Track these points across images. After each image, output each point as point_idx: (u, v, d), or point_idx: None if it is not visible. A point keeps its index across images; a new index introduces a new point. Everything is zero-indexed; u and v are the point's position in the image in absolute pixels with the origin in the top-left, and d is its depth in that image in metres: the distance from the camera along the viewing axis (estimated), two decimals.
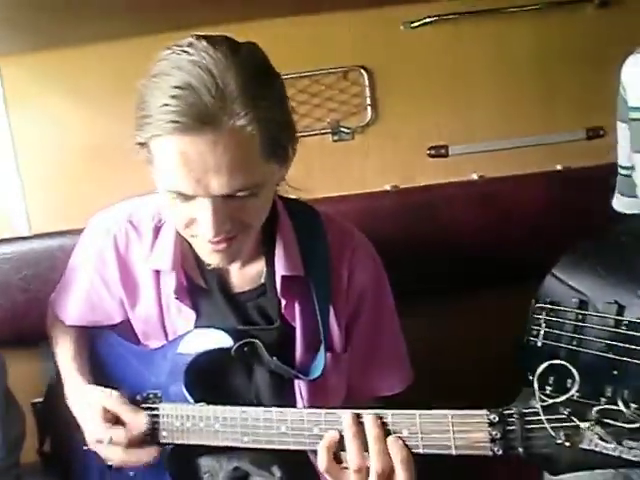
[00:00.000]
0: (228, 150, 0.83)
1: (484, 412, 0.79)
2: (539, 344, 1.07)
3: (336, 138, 1.58)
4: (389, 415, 0.84)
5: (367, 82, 1.56)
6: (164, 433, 1.05)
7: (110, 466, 1.11)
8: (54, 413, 1.28)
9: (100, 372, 1.15)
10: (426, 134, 1.61)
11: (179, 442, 1.04)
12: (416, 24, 1.55)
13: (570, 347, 1.00)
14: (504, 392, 1.03)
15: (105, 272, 1.12)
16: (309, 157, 1.55)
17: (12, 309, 1.50)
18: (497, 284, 1.47)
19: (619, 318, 0.94)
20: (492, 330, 1.18)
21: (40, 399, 1.35)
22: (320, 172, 1.56)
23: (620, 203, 1.18)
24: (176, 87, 0.82)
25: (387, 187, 1.60)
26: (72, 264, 1.20)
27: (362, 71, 1.56)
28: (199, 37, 0.87)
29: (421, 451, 0.82)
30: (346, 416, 0.87)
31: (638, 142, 1.03)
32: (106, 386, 1.10)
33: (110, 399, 1.05)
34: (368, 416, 0.86)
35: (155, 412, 1.06)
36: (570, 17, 1.54)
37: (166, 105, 0.82)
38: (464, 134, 1.61)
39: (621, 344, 0.93)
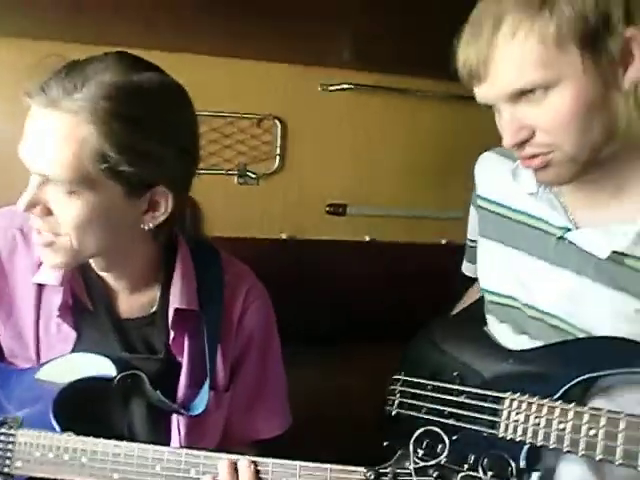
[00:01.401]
0: (55, 129, 0.87)
1: (361, 469, 0.83)
2: (393, 413, 1.16)
3: (241, 181, 1.60)
4: (270, 464, 0.85)
5: (279, 132, 1.61)
6: (18, 463, 0.98)
7: None
8: None
9: None
10: (328, 191, 1.67)
11: (36, 475, 0.97)
12: (333, 88, 1.63)
13: (420, 416, 1.10)
14: (379, 448, 1.09)
15: None
16: (212, 195, 1.55)
17: None
18: (382, 339, 1.53)
19: (460, 388, 1.05)
20: (374, 383, 1.23)
21: None
22: (221, 212, 1.56)
23: (467, 268, 1.32)
24: (55, 71, 0.90)
25: (283, 236, 1.64)
26: None
27: (276, 121, 1.61)
28: (128, 53, 0.94)
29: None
30: (222, 462, 0.87)
31: (481, 227, 1.15)
32: None
33: None
34: (243, 461, 0.86)
35: (11, 439, 0.99)
36: (465, 110, 1.67)
37: (39, 79, 0.89)
38: (363, 197, 1.69)
39: (460, 411, 1.03)
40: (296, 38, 1.44)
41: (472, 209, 1.21)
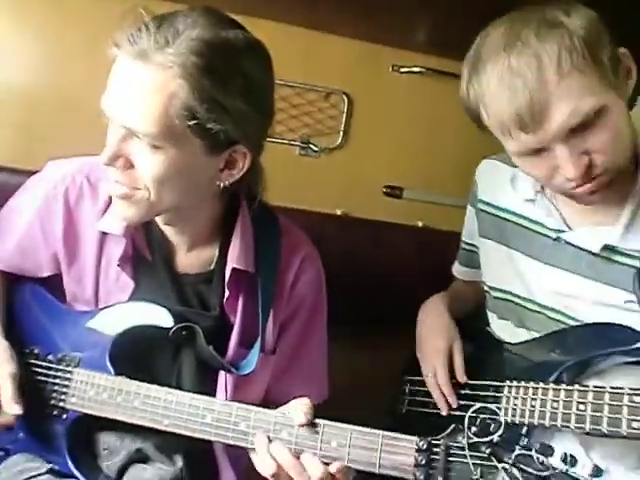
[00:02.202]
0: (143, 81, 0.87)
1: (414, 438, 0.84)
2: (404, 411, 1.26)
3: (303, 152, 1.60)
4: (321, 424, 0.86)
5: (346, 108, 1.61)
6: (73, 399, 1.01)
7: None
8: None
9: (18, 322, 1.09)
10: (386, 172, 1.67)
11: (88, 412, 1.00)
12: (404, 70, 1.62)
13: (429, 411, 1.19)
14: None
15: (47, 222, 1.07)
16: (273, 163, 1.55)
17: None
18: None
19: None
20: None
21: None
22: (279, 181, 1.55)
23: (458, 271, 1.37)
24: (144, 21, 0.89)
25: (338, 212, 1.64)
26: (13, 204, 1.14)
27: (344, 97, 1.61)
28: (215, 9, 0.94)
29: (346, 464, 0.85)
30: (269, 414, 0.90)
31: (482, 229, 1.21)
32: (19, 337, 1.05)
33: (4, 373, 0.99)
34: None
35: (68, 376, 1.02)
36: None
37: (127, 29, 0.89)
38: (420, 182, 1.69)
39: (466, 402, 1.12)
40: (374, 16, 1.43)
41: (470, 211, 1.27)
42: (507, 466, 0.79)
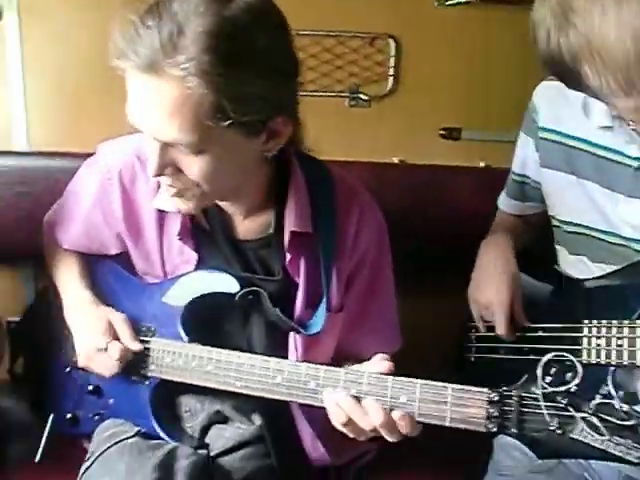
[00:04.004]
0: (165, 97, 0.84)
1: (485, 390, 0.82)
2: (472, 359, 1.22)
3: (353, 103, 1.57)
4: (389, 380, 0.86)
5: (393, 52, 1.55)
6: (152, 367, 1.06)
7: (90, 391, 1.11)
8: (30, 334, 1.26)
9: (97, 296, 1.13)
10: (442, 114, 1.61)
11: (167, 378, 1.05)
12: (450, 2, 1.54)
13: (500, 357, 1.16)
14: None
15: (106, 204, 1.10)
16: (323, 118, 1.53)
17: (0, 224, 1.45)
18: None
19: (536, 325, 1.11)
20: None
21: (15, 318, 1.33)
22: (332, 134, 1.53)
23: (507, 204, 1.29)
24: (140, 20, 0.84)
25: (395, 160, 1.61)
26: (73, 188, 1.18)
27: (390, 40, 1.55)
28: None
29: (416, 419, 0.84)
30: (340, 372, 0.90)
31: (546, 159, 1.14)
32: None
33: (116, 317, 1.07)
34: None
35: (147, 345, 1.06)
36: None
37: (126, 36, 0.84)
38: (479, 120, 1.62)
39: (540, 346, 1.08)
40: None
41: (526, 140, 1.19)
42: (587, 416, 0.76)
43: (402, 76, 1.58)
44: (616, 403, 0.75)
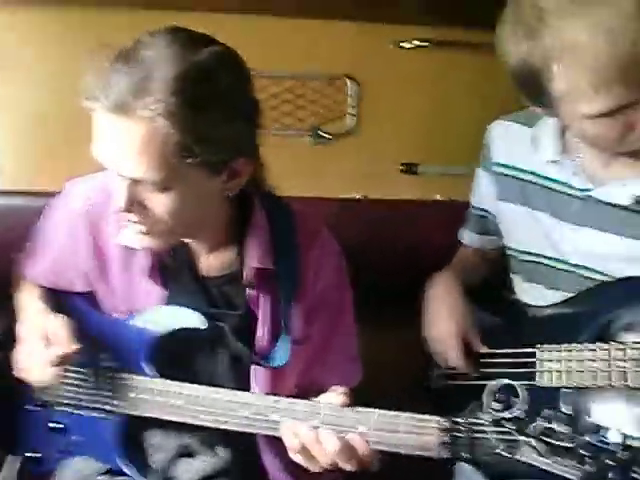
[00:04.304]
0: (134, 137, 0.88)
1: (437, 418, 0.85)
2: (436, 387, 1.25)
3: (314, 141, 1.62)
4: (345, 410, 0.89)
5: (351, 92, 1.61)
6: (117, 401, 1.06)
7: (53, 428, 1.11)
8: None
9: None
10: (400, 150, 1.67)
11: (132, 413, 1.05)
12: (405, 45, 1.62)
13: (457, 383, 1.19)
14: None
15: (74, 242, 1.12)
16: (285, 156, 1.57)
17: None
18: None
19: (493, 351, 1.15)
20: None
21: None
22: (294, 172, 1.58)
23: (469, 238, 1.35)
24: (111, 65, 0.88)
25: (357, 195, 1.65)
26: (41, 228, 1.19)
27: (348, 80, 1.61)
28: (175, 28, 0.93)
29: (373, 447, 0.87)
30: (300, 404, 0.93)
31: (501, 192, 1.19)
32: None
33: (57, 321, 1.02)
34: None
35: (111, 380, 1.07)
36: None
37: (96, 79, 0.88)
38: (436, 156, 1.68)
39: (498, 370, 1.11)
40: None
41: (482, 175, 1.24)
42: (529, 440, 0.80)
43: (361, 115, 1.63)
44: (557, 426, 0.79)
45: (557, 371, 1.04)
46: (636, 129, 0.92)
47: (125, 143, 0.89)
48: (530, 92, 0.96)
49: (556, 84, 0.91)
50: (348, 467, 0.88)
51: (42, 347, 0.99)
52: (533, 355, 1.09)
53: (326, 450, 0.87)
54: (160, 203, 0.94)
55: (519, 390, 0.85)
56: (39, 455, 1.15)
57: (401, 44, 1.61)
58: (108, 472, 1.07)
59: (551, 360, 1.05)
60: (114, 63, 0.89)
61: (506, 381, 0.89)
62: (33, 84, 1.54)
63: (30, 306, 1.13)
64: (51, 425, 1.12)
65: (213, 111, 0.90)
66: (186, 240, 1.08)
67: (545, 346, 1.07)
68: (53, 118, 1.53)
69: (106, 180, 1.09)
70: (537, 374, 1.06)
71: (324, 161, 1.64)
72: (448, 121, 1.68)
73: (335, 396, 0.92)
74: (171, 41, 0.90)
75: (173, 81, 0.87)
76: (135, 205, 0.94)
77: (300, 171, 1.60)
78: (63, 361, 0.99)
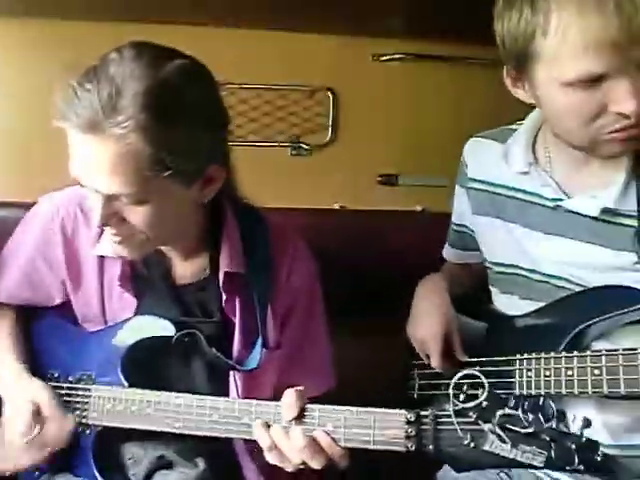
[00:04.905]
0: (106, 154, 0.89)
1: (403, 411, 0.87)
2: (415, 396, 1.26)
3: (294, 152, 1.63)
4: (316, 409, 0.90)
5: (331, 103, 1.63)
6: (94, 414, 1.06)
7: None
8: None
9: (36, 351, 1.14)
10: (379, 161, 1.69)
11: (108, 424, 1.05)
12: (384, 58, 1.64)
13: (442, 393, 1.18)
14: None
15: (49, 253, 1.12)
16: (265, 167, 1.60)
17: None
18: None
19: (473, 360, 1.15)
20: None
21: None
22: (274, 183, 1.60)
23: (449, 253, 1.37)
24: (79, 84, 0.89)
25: (336, 206, 1.67)
26: (14, 242, 1.18)
27: (328, 93, 1.63)
28: (141, 43, 0.94)
29: (342, 444, 0.88)
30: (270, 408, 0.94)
31: (475, 206, 1.21)
32: (39, 366, 1.11)
33: (45, 397, 1.05)
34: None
35: (87, 393, 1.07)
36: None
37: (66, 99, 0.89)
38: (415, 167, 1.70)
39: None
40: (345, 8, 1.44)
41: (460, 192, 1.27)
42: (492, 427, 0.81)
43: (340, 126, 1.65)
44: (521, 413, 0.81)
45: (536, 379, 1.05)
46: (608, 112, 0.92)
47: (98, 161, 0.90)
48: (515, 51, 0.96)
49: (549, 39, 0.90)
50: (315, 464, 0.88)
51: (34, 434, 1.03)
52: (512, 364, 1.10)
53: (294, 446, 0.88)
54: (137, 216, 0.95)
55: (483, 380, 0.86)
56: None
57: (380, 57, 1.64)
58: None
59: (529, 369, 1.06)
60: (82, 81, 0.89)
61: (470, 371, 0.90)
62: (8, 98, 1.54)
63: (4, 358, 1.12)
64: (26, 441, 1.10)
65: (183, 123, 0.91)
66: (161, 248, 1.09)
67: (524, 355, 1.08)
68: (28, 132, 1.52)
69: (82, 192, 1.09)
70: (516, 383, 1.08)
71: (303, 172, 1.65)
72: (427, 133, 1.70)
73: (285, 403, 0.92)
74: (136, 57, 0.91)
75: (142, 97, 0.88)
76: (113, 219, 0.96)
77: (279, 182, 1.62)
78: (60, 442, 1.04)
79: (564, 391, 1.00)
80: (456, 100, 1.70)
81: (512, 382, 1.08)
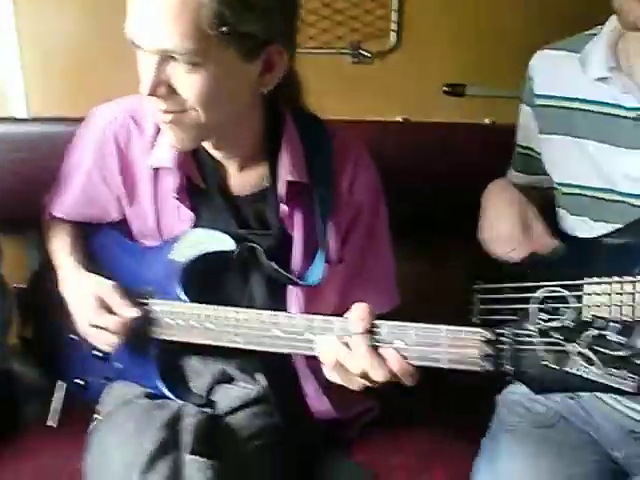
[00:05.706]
0: (166, 3, 0.85)
1: (479, 329, 0.81)
2: (474, 321, 1.17)
3: (355, 60, 1.54)
4: (385, 325, 0.85)
5: (395, 6, 1.52)
6: (155, 328, 1.06)
7: (96, 356, 1.12)
8: (38, 300, 1.27)
9: (95, 266, 1.14)
10: (446, 70, 1.59)
11: (169, 338, 1.05)
12: None
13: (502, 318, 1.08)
14: None
15: (104, 167, 1.10)
16: (324, 75, 1.51)
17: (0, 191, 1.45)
18: None
19: (537, 284, 1.01)
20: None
21: (23, 285, 1.33)
22: (333, 93, 1.52)
23: (513, 177, 1.28)
24: None
25: (398, 118, 1.59)
26: (70, 157, 1.17)
27: None
28: None
29: (412, 362, 0.84)
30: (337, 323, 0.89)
31: (543, 125, 1.14)
32: None
33: (105, 288, 1.05)
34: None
35: (146, 307, 1.06)
36: None
37: None
38: (484, 76, 1.59)
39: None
40: None
41: (525, 111, 1.19)
42: (580, 348, 0.75)
43: (405, 31, 1.55)
44: (610, 335, 0.75)
45: (606, 305, 0.99)
46: None
47: (157, 10, 0.86)
48: None
49: None
50: (380, 377, 0.83)
51: (103, 316, 1.02)
52: (582, 288, 1.03)
53: (357, 358, 0.84)
54: (190, 84, 0.91)
55: (569, 298, 0.80)
56: (85, 381, 1.18)
57: None
58: (148, 396, 1.07)
59: (599, 294, 1.00)
60: None
61: (554, 288, 0.84)
62: (59, 11, 1.49)
63: (64, 261, 1.13)
64: (94, 353, 1.12)
65: None
66: (217, 154, 1.05)
67: (594, 279, 1.01)
68: (81, 44, 1.50)
69: (134, 103, 1.08)
70: (584, 308, 1.01)
71: (364, 81, 1.56)
72: (497, 40, 1.57)
73: (355, 316, 0.87)
74: None
75: None
76: (162, 88, 0.91)
77: (339, 91, 1.53)
78: (128, 329, 1.02)
79: (637, 317, 0.94)
80: (532, 5, 1.56)
81: (581, 307, 1.00)
